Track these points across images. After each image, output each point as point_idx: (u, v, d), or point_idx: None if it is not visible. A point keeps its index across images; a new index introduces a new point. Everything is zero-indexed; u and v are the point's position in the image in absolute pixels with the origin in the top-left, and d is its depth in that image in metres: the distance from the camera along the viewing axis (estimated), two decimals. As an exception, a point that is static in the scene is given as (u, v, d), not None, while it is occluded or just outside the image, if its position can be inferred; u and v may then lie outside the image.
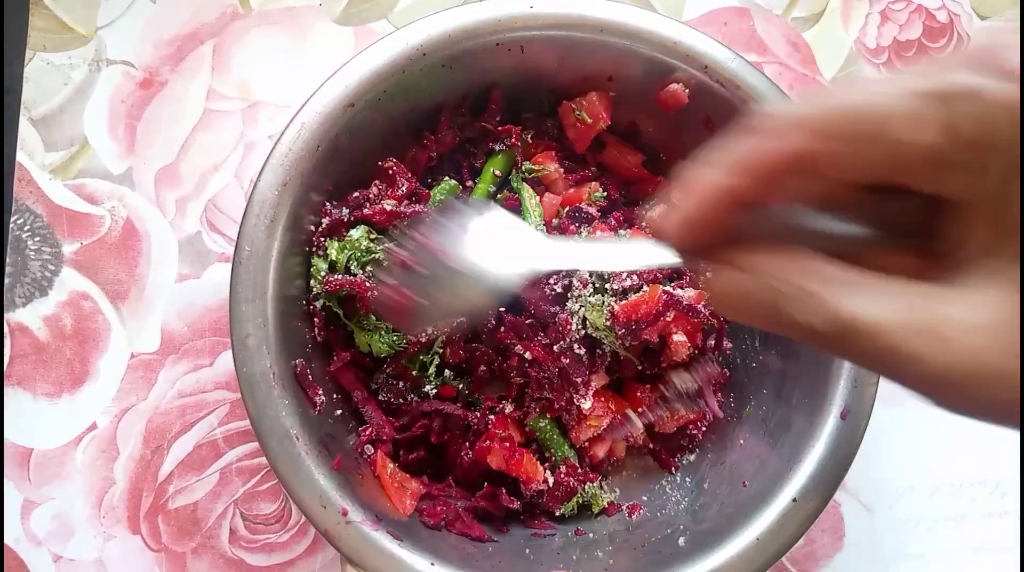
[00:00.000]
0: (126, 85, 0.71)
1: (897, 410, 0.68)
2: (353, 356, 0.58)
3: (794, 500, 0.52)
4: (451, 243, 0.43)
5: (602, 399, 0.59)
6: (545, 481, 0.57)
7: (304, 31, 0.73)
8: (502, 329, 0.58)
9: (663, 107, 0.60)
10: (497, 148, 0.62)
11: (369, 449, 0.57)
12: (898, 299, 0.28)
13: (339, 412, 0.57)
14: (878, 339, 0.27)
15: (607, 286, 0.57)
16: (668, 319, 0.57)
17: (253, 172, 0.70)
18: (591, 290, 0.57)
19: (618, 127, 0.64)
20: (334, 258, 0.55)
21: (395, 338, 0.57)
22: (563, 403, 0.57)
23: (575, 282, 0.57)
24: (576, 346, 0.57)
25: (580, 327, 0.57)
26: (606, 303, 0.56)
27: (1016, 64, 0.26)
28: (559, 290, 0.58)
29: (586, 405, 0.57)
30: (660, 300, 0.55)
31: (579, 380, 0.57)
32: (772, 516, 0.52)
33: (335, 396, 0.58)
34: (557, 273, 0.58)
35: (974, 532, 0.68)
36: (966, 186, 0.28)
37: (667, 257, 0.34)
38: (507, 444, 0.57)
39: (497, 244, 0.42)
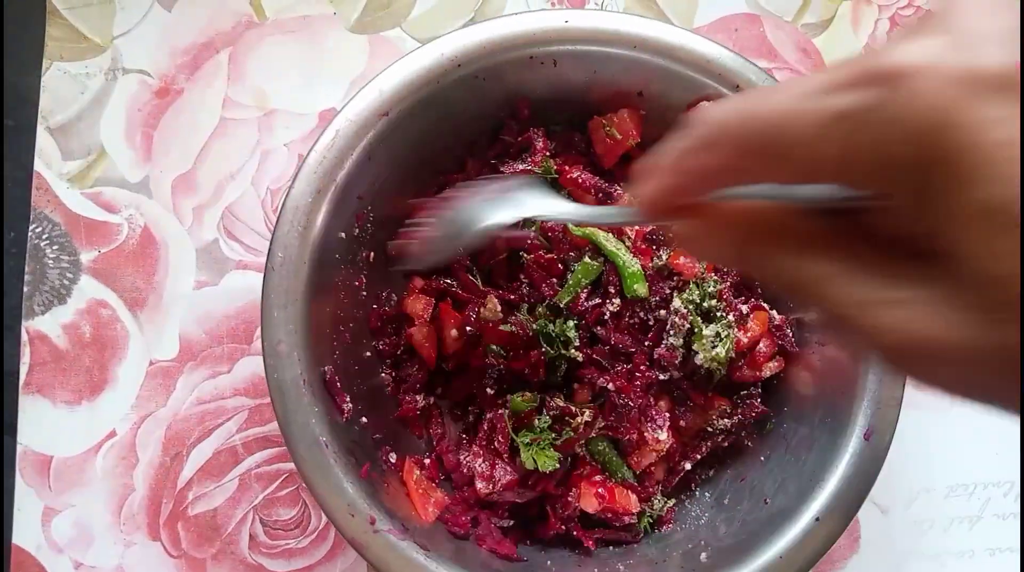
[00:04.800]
0: (142, 94, 0.71)
1: (912, 413, 0.68)
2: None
3: (817, 519, 0.52)
4: (470, 196, 0.48)
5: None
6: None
7: (319, 39, 0.74)
8: (581, 365, 0.57)
9: None
10: (521, 166, 0.61)
11: (393, 457, 0.57)
12: (853, 279, 0.28)
13: (364, 420, 0.58)
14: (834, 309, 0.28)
15: (717, 315, 0.57)
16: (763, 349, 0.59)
17: (270, 180, 0.70)
18: (699, 322, 0.56)
19: (646, 143, 0.64)
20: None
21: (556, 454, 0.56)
22: (633, 435, 0.57)
23: (674, 318, 0.56)
24: (672, 374, 0.56)
25: (681, 361, 0.56)
26: (730, 336, 0.56)
27: (894, 64, 0.25)
28: (650, 321, 0.58)
29: (662, 436, 0.57)
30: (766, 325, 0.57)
31: (657, 416, 0.57)
32: (795, 534, 0.52)
33: (359, 405, 0.58)
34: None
35: (989, 533, 0.69)
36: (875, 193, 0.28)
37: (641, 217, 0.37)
38: (599, 488, 0.56)
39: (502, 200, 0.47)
